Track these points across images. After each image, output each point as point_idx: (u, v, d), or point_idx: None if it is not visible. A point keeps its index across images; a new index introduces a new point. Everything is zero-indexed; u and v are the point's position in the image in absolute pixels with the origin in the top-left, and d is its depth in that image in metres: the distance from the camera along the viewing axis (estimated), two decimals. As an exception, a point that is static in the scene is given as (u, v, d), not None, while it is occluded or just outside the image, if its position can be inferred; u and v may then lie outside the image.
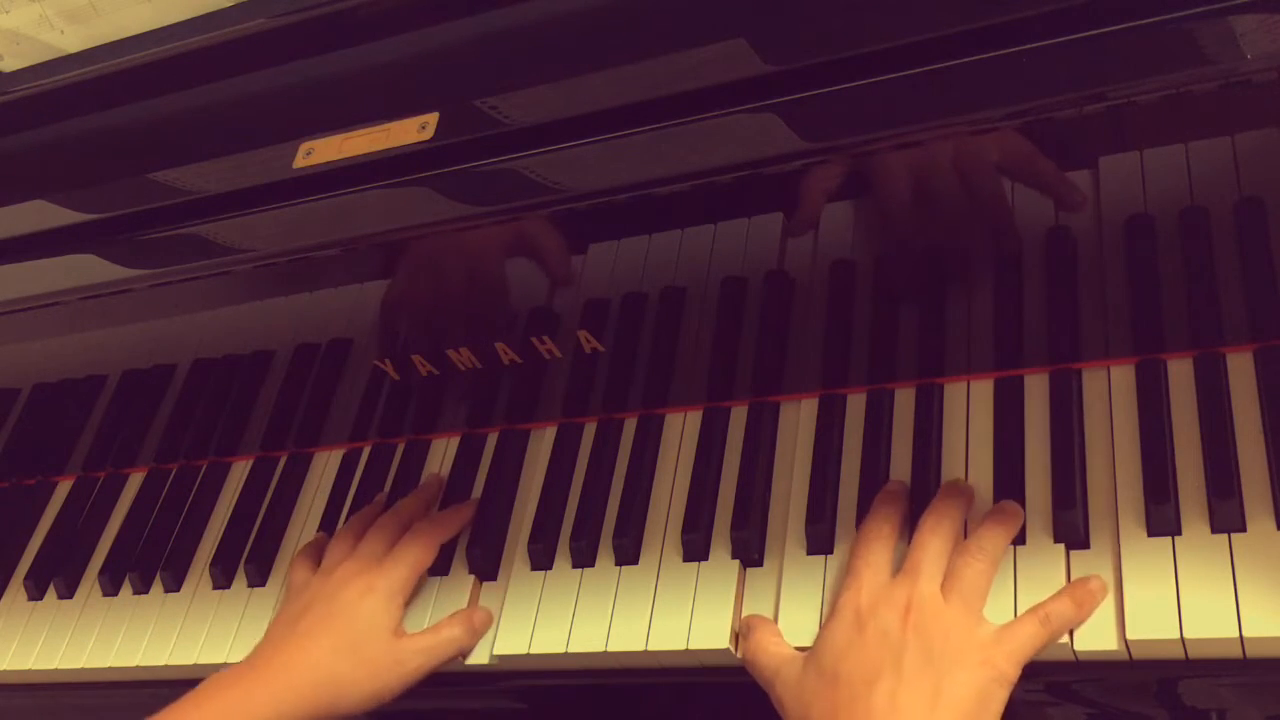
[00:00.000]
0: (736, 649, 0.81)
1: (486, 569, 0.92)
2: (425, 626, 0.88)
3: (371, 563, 0.89)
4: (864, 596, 0.76)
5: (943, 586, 0.75)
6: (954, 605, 0.74)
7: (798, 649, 0.78)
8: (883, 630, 0.73)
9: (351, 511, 0.99)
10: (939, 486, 0.82)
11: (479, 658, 0.87)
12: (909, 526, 0.81)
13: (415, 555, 0.90)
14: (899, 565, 0.78)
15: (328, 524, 1.00)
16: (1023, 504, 0.79)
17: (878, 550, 0.78)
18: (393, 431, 1.03)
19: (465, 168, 0.77)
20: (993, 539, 0.76)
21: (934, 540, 0.77)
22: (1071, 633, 0.73)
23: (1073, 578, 0.75)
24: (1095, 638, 0.73)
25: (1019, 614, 0.74)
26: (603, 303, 0.89)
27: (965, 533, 0.79)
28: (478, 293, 0.89)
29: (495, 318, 0.91)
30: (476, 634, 0.88)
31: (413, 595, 0.91)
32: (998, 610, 0.75)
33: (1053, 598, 0.74)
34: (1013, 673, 0.72)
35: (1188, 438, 0.78)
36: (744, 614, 0.82)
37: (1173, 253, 0.77)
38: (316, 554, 0.95)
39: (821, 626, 0.78)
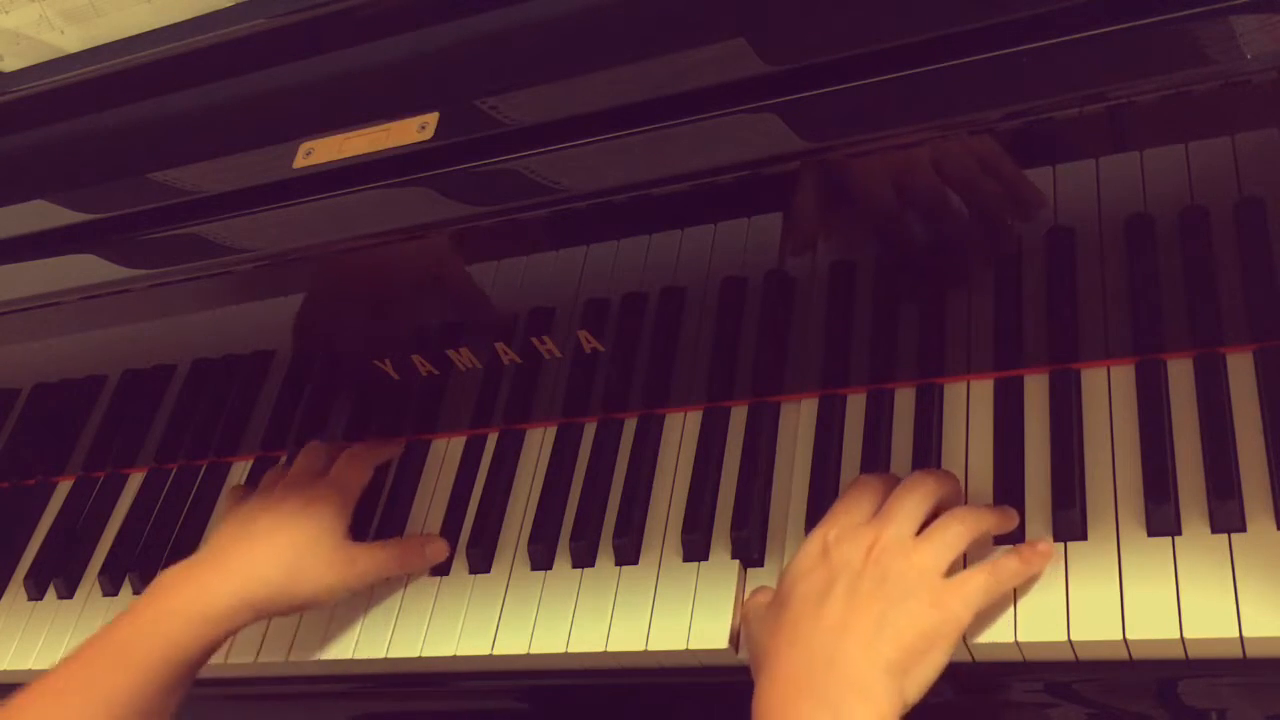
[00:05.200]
0: (737, 649, 0.81)
1: (485, 567, 0.92)
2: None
3: (312, 476, 0.94)
4: (833, 531, 0.76)
5: (919, 533, 0.75)
6: (922, 549, 0.74)
7: None
8: (844, 559, 0.74)
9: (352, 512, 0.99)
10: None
11: (486, 649, 0.87)
12: None
13: (355, 472, 0.95)
14: None
15: (328, 524, 0.99)
16: (1022, 503, 0.79)
17: (857, 499, 0.78)
18: (393, 431, 1.03)
19: (465, 168, 0.77)
20: (981, 515, 0.77)
21: (911, 495, 0.77)
22: (1069, 629, 0.73)
23: (1072, 577, 0.75)
24: (1095, 637, 0.73)
25: (1019, 611, 0.75)
26: (603, 303, 0.89)
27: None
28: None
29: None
30: (427, 561, 0.92)
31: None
32: (997, 611, 0.75)
33: (1003, 555, 0.75)
34: (965, 615, 0.72)
35: (1188, 438, 0.78)
36: (744, 614, 0.82)
37: (1173, 253, 0.77)
38: (241, 490, 0.99)
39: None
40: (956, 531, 0.75)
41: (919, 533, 0.76)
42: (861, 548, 0.74)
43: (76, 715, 0.79)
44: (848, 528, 0.76)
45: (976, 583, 0.73)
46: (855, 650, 0.69)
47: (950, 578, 0.73)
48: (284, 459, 1.04)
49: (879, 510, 0.77)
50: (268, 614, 0.87)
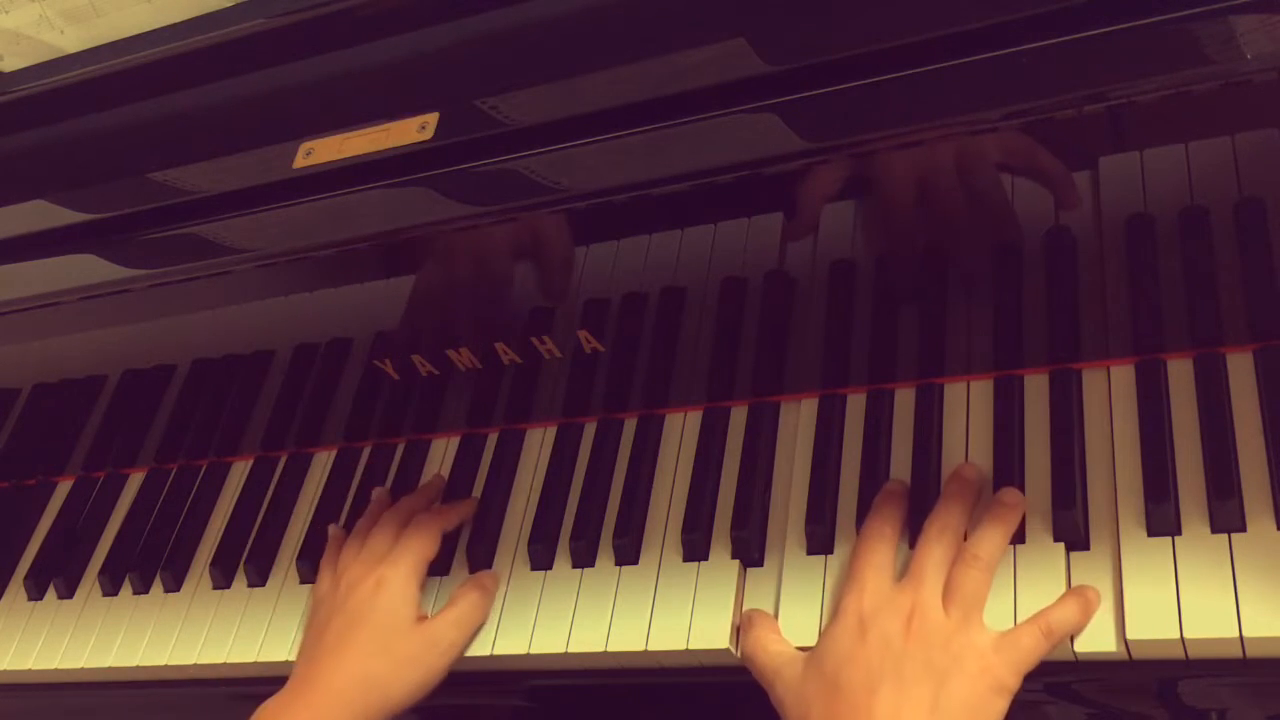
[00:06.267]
0: (736, 647, 0.81)
1: (485, 566, 0.92)
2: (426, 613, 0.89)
3: (378, 560, 0.90)
4: (867, 601, 0.76)
5: (943, 595, 0.75)
6: (953, 615, 0.74)
7: (798, 649, 0.78)
8: (885, 638, 0.73)
9: (351, 512, 0.99)
10: (939, 487, 0.82)
11: (486, 649, 0.87)
12: (910, 526, 0.81)
13: (419, 544, 0.91)
14: (901, 566, 0.78)
15: (326, 524, 0.99)
16: (1023, 504, 0.79)
17: (880, 551, 0.78)
18: (392, 431, 1.03)
19: (465, 168, 0.77)
20: (989, 544, 0.76)
21: (937, 548, 0.77)
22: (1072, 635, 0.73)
23: (1073, 576, 0.75)
24: (1095, 638, 0.73)
25: (1019, 611, 0.74)
26: (603, 303, 0.89)
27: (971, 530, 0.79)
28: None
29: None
30: (489, 593, 0.89)
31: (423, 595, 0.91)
32: (997, 610, 0.75)
33: (1054, 605, 0.74)
34: (1012, 682, 0.72)
35: (1188, 438, 0.78)
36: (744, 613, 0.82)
37: (1173, 253, 0.77)
38: (338, 555, 0.95)
39: (824, 628, 0.78)
40: (976, 579, 0.75)
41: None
42: (899, 621, 0.74)
43: None
44: (880, 596, 0.76)
45: (1025, 647, 0.72)
46: None
47: (998, 639, 0.73)
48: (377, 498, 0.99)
49: (908, 567, 0.77)
50: None
